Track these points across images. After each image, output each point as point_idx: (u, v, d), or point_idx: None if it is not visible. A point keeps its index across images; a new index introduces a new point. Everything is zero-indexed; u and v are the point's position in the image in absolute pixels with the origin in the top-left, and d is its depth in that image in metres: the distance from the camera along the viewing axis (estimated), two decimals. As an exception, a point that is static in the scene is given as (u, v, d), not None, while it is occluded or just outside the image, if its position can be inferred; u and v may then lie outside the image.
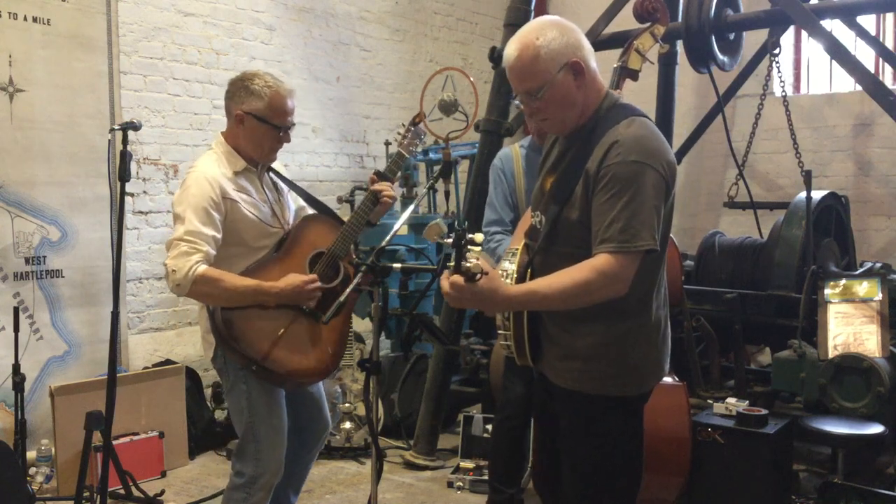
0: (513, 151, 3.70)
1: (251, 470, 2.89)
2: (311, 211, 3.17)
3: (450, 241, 2.06)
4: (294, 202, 3.15)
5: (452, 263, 2.05)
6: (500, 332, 2.40)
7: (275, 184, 3.05)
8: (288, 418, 3.00)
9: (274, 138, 2.91)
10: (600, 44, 5.04)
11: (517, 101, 2.40)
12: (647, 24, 3.50)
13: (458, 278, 2.06)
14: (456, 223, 2.15)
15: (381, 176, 3.08)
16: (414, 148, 3.19)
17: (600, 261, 2.12)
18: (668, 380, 3.39)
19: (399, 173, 3.21)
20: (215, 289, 2.73)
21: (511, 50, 2.24)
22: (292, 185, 3.14)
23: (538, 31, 2.22)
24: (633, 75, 3.32)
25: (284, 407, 2.97)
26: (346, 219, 3.08)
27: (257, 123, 2.86)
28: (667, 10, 3.59)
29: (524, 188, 3.59)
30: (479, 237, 2.07)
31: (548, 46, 2.19)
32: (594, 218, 2.17)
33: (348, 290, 2.75)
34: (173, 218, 2.83)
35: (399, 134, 3.20)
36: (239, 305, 2.78)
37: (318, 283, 2.89)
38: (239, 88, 2.87)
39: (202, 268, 2.70)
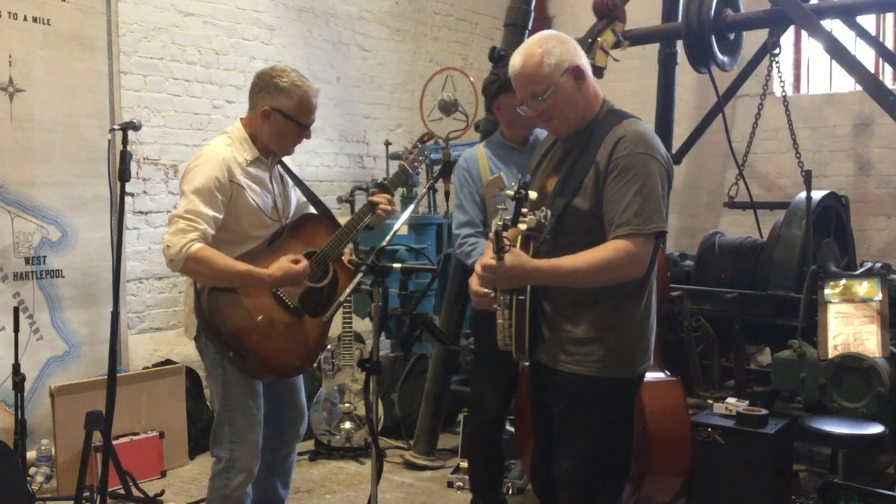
0: (477, 152, 3.69)
1: (227, 454, 2.93)
2: (311, 208, 3.21)
3: (511, 193, 2.28)
4: (297, 197, 3.19)
5: (509, 218, 2.25)
6: (499, 322, 2.44)
7: (281, 177, 3.10)
8: (264, 406, 3.04)
9: (297, 135, 3.00)
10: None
11: (521, 109, 2.54)
12: (606, 21, 3.51)
13: (489, 260, 2.25)
14: (519, 180, 2.38)
15: (382, 188, 3.15)
16: (418, 164, 3.30)
17: (621, 242, 2.31)
18: (660, 375, 3.39)
19: (400, 187, 3.31)
20: (206, 268, 2.78)
21: (516, 60, 2.45)
22: (298, 182, 3.19)
23: (540, 42, 2.45)
24: (600, 73, 3.35)
25: (261, 392, 3.02)
26: (343, 221, 3.13)
27: (284, 120, 2.93)
28: (624, 7, 3.61)
29: None
30: (533, 194, 2.32)
31: (550, 53, 2.41)
32: (607, 205, 2.35)
33: (349, 290, 2.77)
34: (180, 193, 2.89)
35: (406, 148, 3.29)
36: (229, 286, 2.83)
37: (307, 263, 2.91)
38: (268, 84, 2.94)
39: (196, 246, 2.75)
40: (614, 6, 3.56)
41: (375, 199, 3.08)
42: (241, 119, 3.04)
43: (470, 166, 3.62)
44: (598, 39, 3.35)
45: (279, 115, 2.92)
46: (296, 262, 2.87)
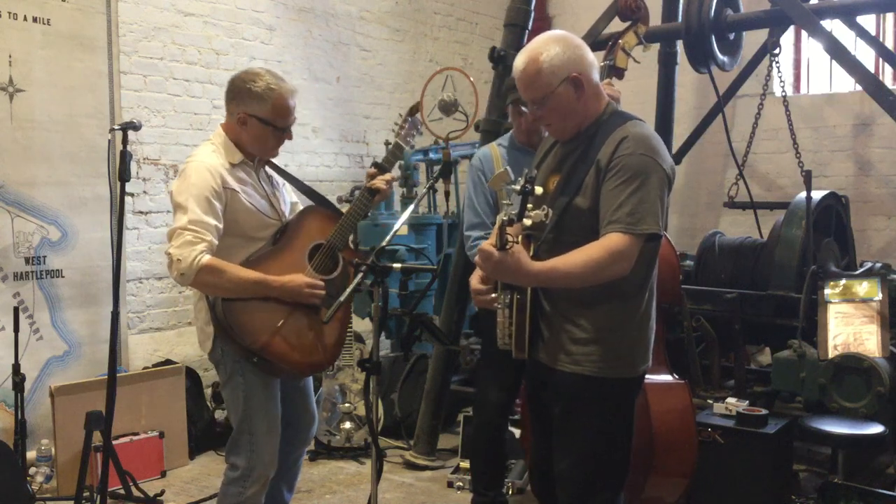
0: (492, 150, 3.64)
1: (245, 462, 2.90)
2: (302, 207, 3.19)
3: (517, 187, 2.23)
4: (289, 196, 3.17)
5: (515, 213, 2.20)
6: (499, 321, 2.44)
7: (269, 177, 3.08)
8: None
9: (277, 138, 2.95)
10: (600, 44, 5.05)
11: (524, 108, 2.51)
12: (629, 23, 3.54)
13: (489, 247, 2.22)
14: (525, 174, 2.34)
15: (379, 167, 3.13)
16: (411, 139, 3.24)
17: (609, 240, 2.30)
18: (669, 378, 3.38)
19: (396, 164, 3.27)
20: (219, 279, 2.74)
21: (519, 62, 2.44)
22: (289, 178, 3.16)
23: (543, 46, 2.41)
24: (620, 73, 3.37)
25: (279, 399, 2.99)
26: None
27: (260, 125, 2.88)
28: (648, 9, 3.63)
29: None
30: (539, 189, 2.30)
31: (550, 62, 2.38)
32: (603, 203, 2.35)
33: (348, 290, 2.76)
34: (173, 207, 2.83)
35: (396, 125, 3.23)
36: (240, 297, 2.80)
37: (322, 291, 2.90)
38: (241, 90, 2.88)
39: (207, 257, 2.72)
40: (637, 8, 3.59)
41: (374, 185, 3.06)
42: (221, 125, 2.99)
43: (485, 166, 3.57)
44: (620, 41, 3.36)
45: (256, 120, 2.87)
46: (312, 284, 2.87)
